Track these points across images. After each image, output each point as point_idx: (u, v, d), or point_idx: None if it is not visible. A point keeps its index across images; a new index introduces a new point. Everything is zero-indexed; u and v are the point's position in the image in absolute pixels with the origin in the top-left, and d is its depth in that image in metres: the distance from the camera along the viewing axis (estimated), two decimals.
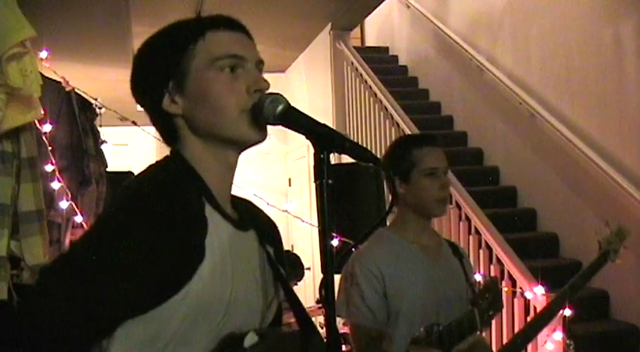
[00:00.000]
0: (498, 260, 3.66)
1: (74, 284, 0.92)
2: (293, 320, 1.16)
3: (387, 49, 7.85)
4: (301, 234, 6.29)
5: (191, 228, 1.01)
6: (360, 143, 4.13)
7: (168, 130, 1.11)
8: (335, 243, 2.95)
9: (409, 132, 4.63)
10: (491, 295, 1.80)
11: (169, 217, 0.98)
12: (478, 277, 3.75)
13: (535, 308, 3.34)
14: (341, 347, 1.00)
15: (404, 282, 1.89)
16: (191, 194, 1.05)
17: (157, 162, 1.11)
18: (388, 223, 2.08)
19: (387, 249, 1.94)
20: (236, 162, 1.13)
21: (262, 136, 1.08)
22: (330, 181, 0.98)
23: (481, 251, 3.81)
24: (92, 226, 1.02)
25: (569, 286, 2.26)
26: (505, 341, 3.55)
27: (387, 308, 1.88)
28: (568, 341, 2.91)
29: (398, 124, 4.83)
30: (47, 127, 2.73)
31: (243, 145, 1.10)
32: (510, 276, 3.56)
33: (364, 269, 1.89)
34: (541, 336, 3.28)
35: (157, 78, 1.08)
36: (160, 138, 1.16)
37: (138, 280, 0.94)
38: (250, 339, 1.01)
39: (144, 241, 0.95)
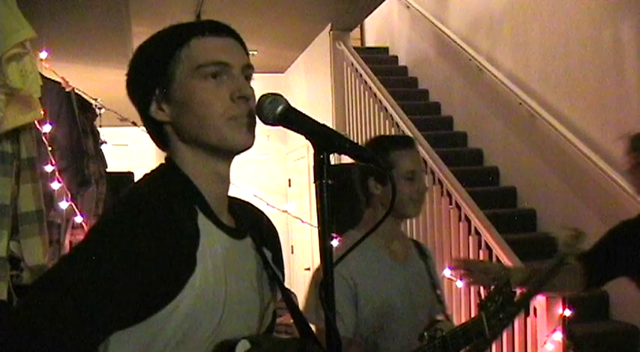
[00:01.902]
0: (498, 260, 3.66)
1: (63, 296, 0.92)
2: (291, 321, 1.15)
3: (386, 49, 7.85)
4: (301, 234, 6.29)
5: (182, 240, 1.01)
6: (359, 143, 4.13)
7: (158, 136, 1.12)
8: (335, 243, 2.95)
9: (409, 133, 4.63)
10: (502, 298, 1.74)
11: (160, 230, 0.98)
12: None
13: (535, 308, 3.34)
14: (341, 348, 0.99)
15: (375, 290, 1.84)
16: (184, 205, 1.05)
17: (151, 171, 1.11)
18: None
19: (359, 255, 1.82)
20: (227, 171, 1.12)
21: (248, 142, 1.07)
22: (330, 181, 0.98)
23: (481, 251, 3.80)
24: (84, 238, 1.01)
25: (525, 294, 2.09)
26: (504, 342, 3.54)
27: (356, 316, 1.81)
28: (568, 342, 2.91)
29: (398, 125, 4.83)
30: (47, 128, 2.73)
31: (229, 152, 1.09)
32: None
33: (336, 276, 1.85)
34: (541, 336, 3.28)
35: (145, 85, 1.09)
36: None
37: (128, 292, 0.94)
38: (242, 347, 1.01)
39: (134, 254, 0.95)
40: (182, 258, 1.00)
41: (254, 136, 1.08)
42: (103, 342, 0.99)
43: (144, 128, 1.15)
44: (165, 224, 0.99)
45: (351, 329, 1.81)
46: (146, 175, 1.10)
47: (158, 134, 1.11)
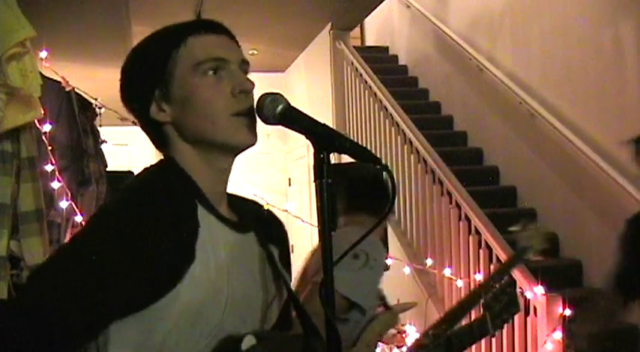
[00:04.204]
0: (498, 260, 3.66)
1: (63, 282, 0.93)
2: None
3: (387, 48, 7.84)
4: (301, 234, 6.29)
5: (181, 230, 1.01)
6: (360, 143, 4.13)
7: (158, 137, 1.12)
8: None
9: (409, 132, 4.64)
10: (507, 298, 1.81)
11: (159, 220, 0.99)
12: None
13: (535, 308, 3.34)
14: (341, 348, 0.99)
15: None
16: (183, 197, 1.06)
17: (150, 165, 1.12)
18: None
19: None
20: (229, 166, 1.12)
21: (252, 140, 1.08)
22: (330, 181, 0.98)
23: (481, 251, 3.81)
24: (84, 227, 1.03)
25: (487, 281, 2.14)
26: (504, 342, 3.55)
27: None
28: (568, 341, 2.91)
29: (398, 124, 4.83)
30: (47, 127, 2.73)
31: (234, 150, 1.10)
32: (510, 276, 3.56)
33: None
34: (541, 336, 3.28)
35: (143, 87, 1.09)
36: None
37: (126, 279, 0.95)
38: (248, 342, 1.01)
39: (133, 242, 0.96)
40: (180, 249, 1.00)
41: (257, 134, 1.09)
42: (103, 334, 0.99)
43: (141, 130, 1.15)
44: (163, 215, 1.00)
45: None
46: (145, 169, 1.11)
47: (157, 135, 1.12)
